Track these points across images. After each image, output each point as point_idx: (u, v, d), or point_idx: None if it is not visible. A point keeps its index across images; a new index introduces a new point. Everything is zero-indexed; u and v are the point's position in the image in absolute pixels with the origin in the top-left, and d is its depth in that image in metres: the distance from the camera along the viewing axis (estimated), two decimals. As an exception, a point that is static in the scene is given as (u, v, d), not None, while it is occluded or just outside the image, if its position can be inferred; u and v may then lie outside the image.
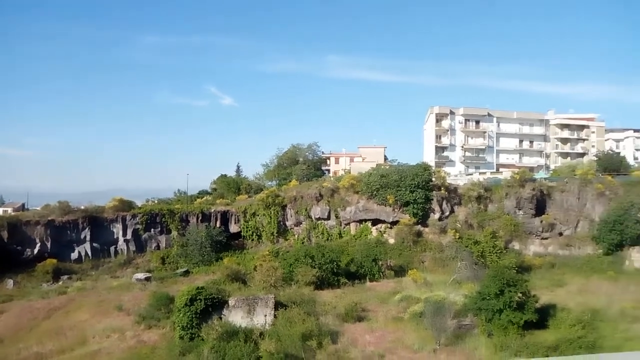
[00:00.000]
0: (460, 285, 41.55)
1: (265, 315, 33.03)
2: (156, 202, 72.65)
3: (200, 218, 58.07)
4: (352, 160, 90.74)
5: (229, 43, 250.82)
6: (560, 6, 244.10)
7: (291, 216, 58.93)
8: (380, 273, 47.48)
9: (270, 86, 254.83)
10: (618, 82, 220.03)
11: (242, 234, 58.83)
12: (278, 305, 33.78)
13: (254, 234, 58.50)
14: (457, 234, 52.17)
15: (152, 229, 57.02)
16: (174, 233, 56.96)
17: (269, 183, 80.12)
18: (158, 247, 56.67)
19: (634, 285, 42.99)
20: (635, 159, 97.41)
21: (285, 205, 59.09)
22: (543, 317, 32.58)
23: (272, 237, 57.85)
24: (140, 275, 48.40)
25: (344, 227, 57.96)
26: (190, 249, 53.59)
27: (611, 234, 50.60)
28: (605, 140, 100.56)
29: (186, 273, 50.75)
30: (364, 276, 46.49)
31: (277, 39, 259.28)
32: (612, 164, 69.45)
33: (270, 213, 58.13)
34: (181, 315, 31.42)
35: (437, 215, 55.81)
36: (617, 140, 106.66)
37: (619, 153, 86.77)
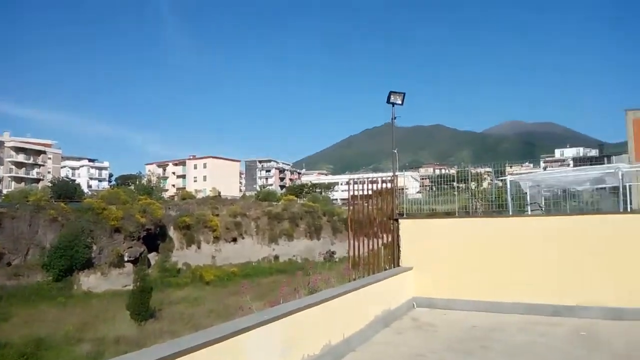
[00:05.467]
0: None
1: None
2: None
3: None
4: None
5: None
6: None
7: None
8: None
9: None
10: (76, 113, 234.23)
11: None
12: None
13: None
14: None
15: None
16: None
17: None
18: None
19: (80, 308, 45.81)
20: (89, 186, 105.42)
21: None
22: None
23: None
24: None
25: None
26: None
27: (61, 259, 51.84)
28: (62, 167, 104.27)
29: None
30: None
31: None
32: (67, 191, 72.20)
33: None
34: None
35: None
36: (74, 168, 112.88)
37: (75, 180, 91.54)
